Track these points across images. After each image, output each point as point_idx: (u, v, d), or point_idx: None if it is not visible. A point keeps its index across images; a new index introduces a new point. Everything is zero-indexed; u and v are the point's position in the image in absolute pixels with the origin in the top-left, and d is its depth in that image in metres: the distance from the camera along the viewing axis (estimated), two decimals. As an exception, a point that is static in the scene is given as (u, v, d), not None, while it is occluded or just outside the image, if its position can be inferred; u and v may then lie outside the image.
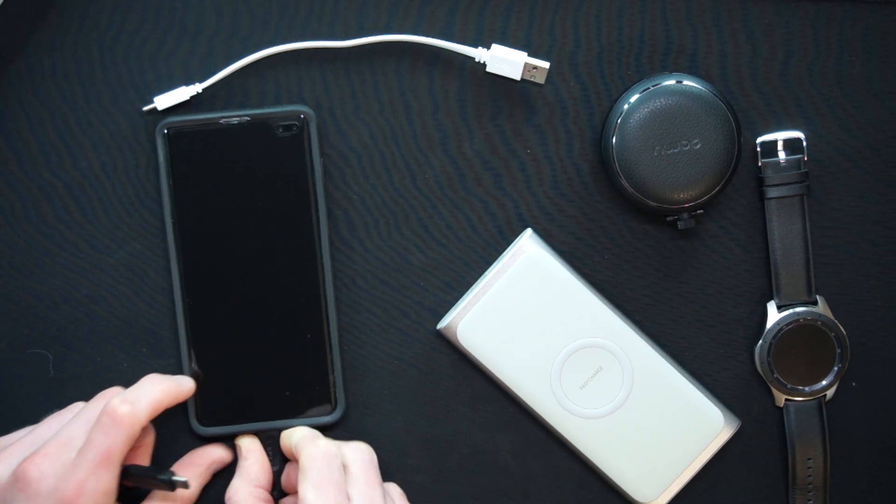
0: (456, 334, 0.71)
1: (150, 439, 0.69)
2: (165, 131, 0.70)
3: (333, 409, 0.72)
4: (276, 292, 0.71)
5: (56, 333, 0.73)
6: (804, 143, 0.72)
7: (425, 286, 0.73)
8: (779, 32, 0.71)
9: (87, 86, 0.71)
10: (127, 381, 0.73)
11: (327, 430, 0.72)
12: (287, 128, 0.70)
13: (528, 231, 0.71)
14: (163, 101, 0.70)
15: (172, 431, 0.72)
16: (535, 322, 0.70)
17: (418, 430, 0.74)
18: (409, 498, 0.74)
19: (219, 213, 0.70)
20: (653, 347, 0.71)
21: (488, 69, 0.70)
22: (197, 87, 0.70)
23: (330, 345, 0.71)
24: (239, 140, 0.70)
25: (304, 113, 0.70)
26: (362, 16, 0.71)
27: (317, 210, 0.70)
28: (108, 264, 0.73)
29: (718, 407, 0.71)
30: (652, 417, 0.71)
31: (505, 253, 0.71)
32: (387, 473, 0.74)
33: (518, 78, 0.70)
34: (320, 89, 0.72)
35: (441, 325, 0.71)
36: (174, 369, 0.72)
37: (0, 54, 0.71)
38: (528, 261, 0.70)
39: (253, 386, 0.71)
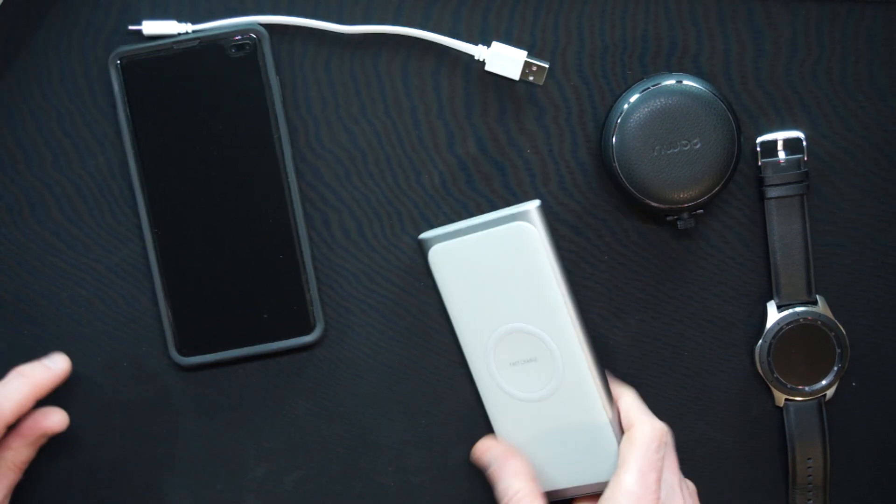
0: (427, 253, 0.70)
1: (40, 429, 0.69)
2: (118, 62, 0.70)
3: (312, 328, 0.72)
4: (245, 215, 0.71)
5: (56, 333, 0.73)
6: (804, 143, 0.72)
7: (425, 285, 0.73)
8: (779, 32, 0.71)
9: (89, 85, 0.71)
10: (128, 381, 0.73)
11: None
12: (240, 48, 0.69)
13: (536, 202, 0.68)
14: (150, 28, 0.70)
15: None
16: (498, 285, 0.69)
17: (418, 430, 0.74)
18: (410, 498, 0.74)
19: (180, 140, 0.70)
20: (591, 372, 0.69)
21: (487, 67, 0.70)
22: (188, 27, 0.70)
23: (303, 263, 0.71)
24: (193, 64, 0.70)
25: (255, 32, 0.69)
26: (368, 7, 0.71)
27: (278, 128, 0.70)
28: (108, 264, 0.73)
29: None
30: (559, 429, 0.70)
31: (508, 209, 0.69)
32: (386, 473, 0.74)
33: (517, 77, 0.70)
34: (313, 81, 0.72)
35: (422, 235, 0.71)
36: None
37: (2, 54, 0.71)
38: (516, 229, 0.68)
39: (229, 311, 0.72)
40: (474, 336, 0.71)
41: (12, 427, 0.68)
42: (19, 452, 0.68)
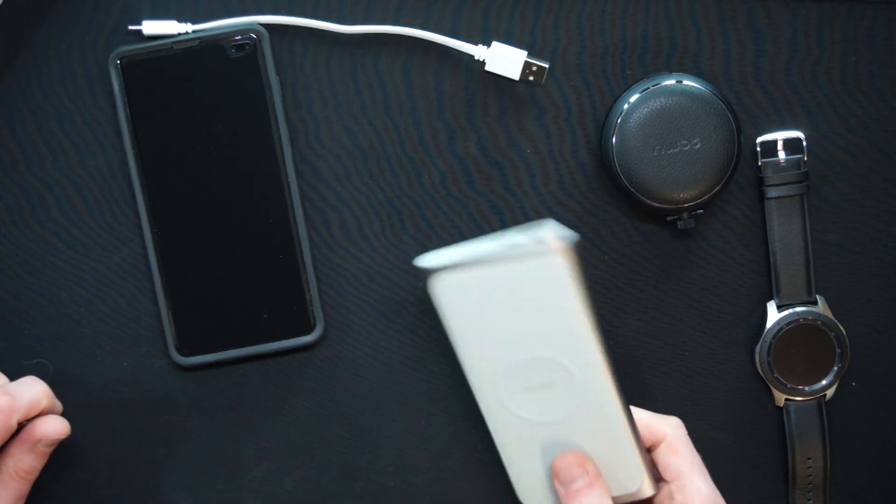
0: (432, 284, 0.62)
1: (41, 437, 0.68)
2: (118, 62, 0.70)
3: (312, 328, 0.72)
4: (245, 215, 0.71)
5: (56, 333, 0.73)
6: (804, 143, 0.72)
7: (425, 286, 0.73)
8: (779, 32, 0.71)
9: (89, 85, 0.71)
10: (128, 381, 0.73)
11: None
12: (240, 48, 0.69)
13: (552, 223, 0.58)
14: (150, 27, 0.70)
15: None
16: (514, 318, 0.61)
17: (418, 430, 0.74)
18: (410, 498, 0.74)
19: (180, 140, 0.70)
20: (611, 389, 0.62)
21: (487, 67, 0.70)
22: (188, 27, 0.70)
23: (303, 263, 0.71)
24: (193, 64, 0.70)
25: (255, 32, 0.70)
26: (368, 7, 0.71)
27: (278, 128, 0.70)
28: (108, 264, 0.73)
29: (643, 470, 0.64)
30: (578, 447, 0.64)
31: (525, 235, 0.59)
32: (386, 473, 0.74)
33: (517, 77, 0.70)
34: (313, 81, 0.72)
35: (423, 264, 0.62)
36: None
37: (1, 54, 0.71)
38: (546, 266, 0.58)
39: (229, 311, 0.72)
40: (482, 365, 0.64)
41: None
42: (19, 459, 0.68)
